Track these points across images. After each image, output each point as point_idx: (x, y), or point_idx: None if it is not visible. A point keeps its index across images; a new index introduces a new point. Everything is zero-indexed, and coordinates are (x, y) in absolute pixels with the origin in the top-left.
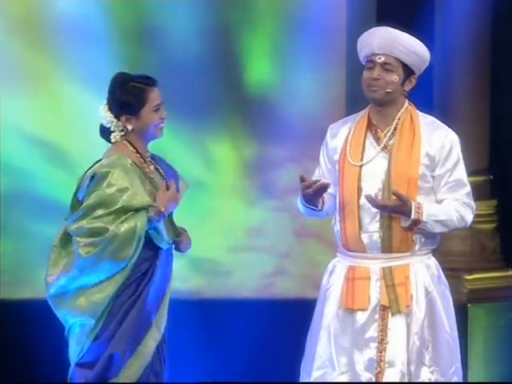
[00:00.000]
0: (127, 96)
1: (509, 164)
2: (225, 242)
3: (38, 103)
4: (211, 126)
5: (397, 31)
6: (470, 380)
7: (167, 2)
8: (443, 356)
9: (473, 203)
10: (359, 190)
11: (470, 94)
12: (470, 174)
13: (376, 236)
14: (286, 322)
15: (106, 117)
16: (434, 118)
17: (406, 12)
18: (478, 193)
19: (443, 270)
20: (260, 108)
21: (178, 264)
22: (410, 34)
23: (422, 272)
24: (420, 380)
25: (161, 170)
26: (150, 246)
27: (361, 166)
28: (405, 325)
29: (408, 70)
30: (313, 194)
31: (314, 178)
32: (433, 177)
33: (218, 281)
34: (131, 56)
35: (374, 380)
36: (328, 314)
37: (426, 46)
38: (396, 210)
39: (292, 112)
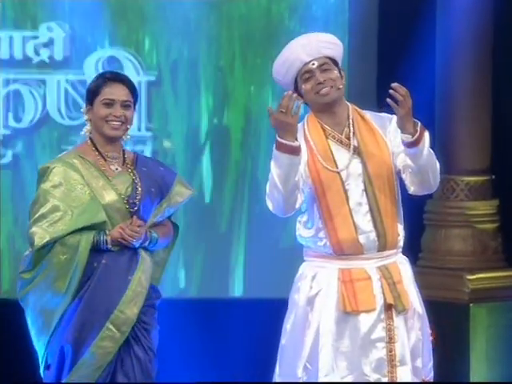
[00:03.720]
0: (90, 85)
1: (511, 163)
2: None
3: None
4: None
5: (310, 34)
6: (471, 380)
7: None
8: (427, 348)
9: None
10: (346, 193)
11: (471, 92)
12: (471, 173)
13: (373, 235)
14: None
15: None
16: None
17: (407, 11)
18: (480, 192)
19: (445, 269)
20: None
21: None
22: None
23: (407, 268)
24: (419, 372)
25: (134, 172)
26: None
27: (339, 172)
28: (404, 322)
29: (336, 64)
30: (288, 121)
31: None
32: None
33: None
34: None
35: (382, 380)
36: (325, 320)
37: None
38: (410, 108)
39: None
